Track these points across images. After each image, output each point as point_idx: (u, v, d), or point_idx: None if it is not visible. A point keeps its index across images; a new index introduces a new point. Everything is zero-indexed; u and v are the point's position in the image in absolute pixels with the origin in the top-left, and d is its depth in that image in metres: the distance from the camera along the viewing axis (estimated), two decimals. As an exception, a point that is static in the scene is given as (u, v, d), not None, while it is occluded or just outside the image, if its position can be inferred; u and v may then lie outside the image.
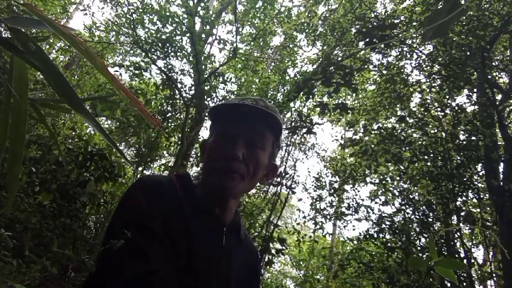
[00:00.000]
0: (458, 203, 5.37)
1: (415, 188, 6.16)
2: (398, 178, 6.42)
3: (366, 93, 7.81)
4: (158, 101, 6.59)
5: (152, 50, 5.57)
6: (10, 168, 0.73)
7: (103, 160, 3.94)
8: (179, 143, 5.89)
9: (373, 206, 6.67)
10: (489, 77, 5.14)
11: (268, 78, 7.46)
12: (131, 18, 5.77)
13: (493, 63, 5.73)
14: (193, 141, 6.29)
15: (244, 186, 0.85)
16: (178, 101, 6.39)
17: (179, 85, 5.84)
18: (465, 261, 5.01)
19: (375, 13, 6.13)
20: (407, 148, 5.87)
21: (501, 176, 4.87)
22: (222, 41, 5.75)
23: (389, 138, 5.86)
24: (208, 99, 6.24)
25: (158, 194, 0.80)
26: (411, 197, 6.05)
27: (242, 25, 8.32)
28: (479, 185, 5.53)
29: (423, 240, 5.54)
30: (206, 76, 5.67)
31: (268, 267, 5.96)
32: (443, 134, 5.84)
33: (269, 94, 6.93)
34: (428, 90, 6.37)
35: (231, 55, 5.91)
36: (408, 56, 6.16)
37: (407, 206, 5.91)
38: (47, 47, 7.19)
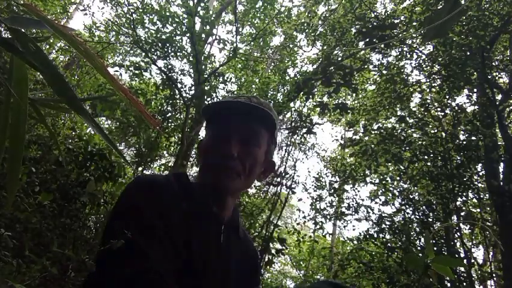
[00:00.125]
0: (458, 203, 5.37)
1: (415, 188, 6.15)
2: (398, 178, 6.42)
3: (366, 93, 7.81)
4: (158, 101, 6.59)
5: (152, 50, 5.57)
6: (10, 168, 0.73)
7: (103, 160, 3.94)
8: (179, 143, 5.90)
9: (373, 206, 6.67)
10: (489, 77, 5.13)
11: (268, 78, 7.46)
12: (131, 18, 5.77)
13: (493, 63, 5.73)
14: (193, 141, 6.29)
15: (240, 184, 0.85)
16: (178, 101, 6.39)
17: (179, 85, 5.84)
18: (465, 261, 5.02)
19: (375, 13, 6.13)
20: (407, 148, 5.87)
21: (501, 176, 4.87)
22: (222, 41, 5.75)
23: (389, 138, 5.86)
24: (208, 99, 6.24)
25: (155, 192, 0.79)
26: (411, 197, 6.05)
27: (242, 25, 8.32)
28: (479, 185, 5.53)
29: (423, 240, 5.54)
30: (206, 76, 5.68)
31: (268, 267, 5.96)
32: (443, 134, 5.84)
33: (269, 94, 6.93)
34: (428, 90, 6.37)
35: (231, 55, 5.91)
36: (408, 56, 6.16)
37: (407, 206, 5.91)
38: (47, 47, 7.19)
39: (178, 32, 5.47)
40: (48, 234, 3.11)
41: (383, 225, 5.96)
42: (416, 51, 6.12)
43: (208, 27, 5.73)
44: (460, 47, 5.06)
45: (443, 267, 0.91)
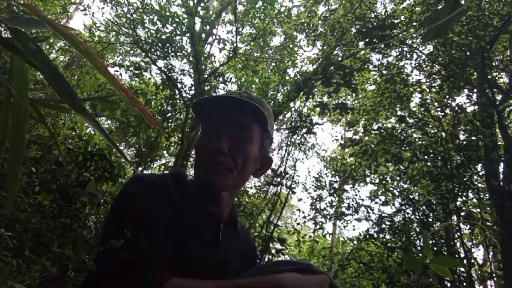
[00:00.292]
0: (458, 203, 5.37)
1: (415, 188, 6.16)
2: (398, 178, 6.42)
3: (366, 93, 7.81)
4: (158, 101, 6.59)
5: (152, 50, 5.57)
6: (10, 168, 0.73)
7: (103, 160, 3.94)
8: (179, 143, 5.90)
9: (373, 206, 6.68)
10: (489, 77, 5.13)
11: (268, 78, 7.46)
12: (131, 18, 5.77)
13: (493, 63, 5.73)
14: (193, 141, 6.28)
15: (233, 180, 0.84)
16: (178, 101, 6.39)
17: (179, 85, 5.84)
18: (465, 261, 5.02)
19: (375, 13, 6.13)
20: (407, 148, 5.87)
21: (501, 176, 4.87)
22: (222, 41, 5.75)
23: (389, 138, 5.87)
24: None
25: (149, 189, 0.80)
26: (411, 197, 6.05)
27: (242, 25, 8.32)
28: (479, 185, 5.53)
29: (423, 240, 5.54)
30: (206, 76, 5.68)
31: (268, 267, 5.94)
32: (443, 134, 5.84)
33: (269, 94, 6.93)
34: (428, 90, 6.37)
35: (231, 55, 5.91)
36: (408, 56, 6.16)
37: (407, 206, 5.91)
38: (47, 47, 7.19)
39: (178, 32, 5.47)
40: (48, 234, 3.11)
41: (383, 225, 5.96)
42: (416, 51, 6.12)
43: (208, 27, 5.73)
44: (460, 47, 5.06)
45: (442, 268, 0.91)
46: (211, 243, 0.83)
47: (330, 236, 10.60)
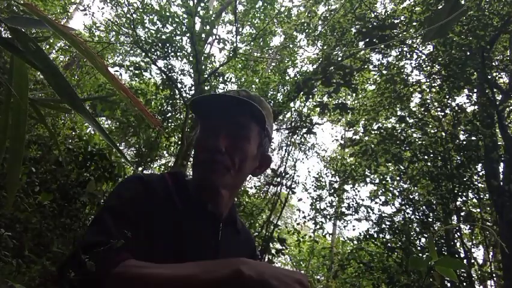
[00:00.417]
0: (458, 203, 5.37)
1: (415, 188, 6.16)
2: (398, 178, 6.42)
3: (366, 93, 7.81)
4: (158, 101, 6.59)
5: (152, 50, 5.57)
6: (10, 168, 0.73)
7: (103, 160, 3.94)
8: (179, 143, 5.90)
9: (373, 206, 6.68)
10: (489, 77, 5.13)
11: (268, 78, 7.47)
12: (131, 18, 5.77)
13: (493, 63, 5.73)
14: (193, 141, 6.29)
15: (231, 179, 0.83)
16: (178, 101, 6.39)
17: (179, 85, 5.84)
18: (465, 261, 5.02)
19: (375, 13, 6.13)
20: (407, 148, 5.87)
21: (501, 176, 4.87)
22: (222, 41, 5.75)
23: (389, 138, 5.87)
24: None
25: (142, 186, 0.79)
26: (411, 197, 6.05)
27: (242, 25, 8.32)
28: (479, 185, 5.53)
29: (423, 240, 5.54)
30: (206, 76, 5.68)
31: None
32: (443, 134, 5.84)
33: (269, 94, 6.93)
34: (428, 90, 6.37)
35: (231, 55, 5.91)
36: (408, 56, 6.16)
37: (407, 206, 5.91)
38: (47, 47, 7.19)
39: (178, 32, 5.48)
40: (48, 234, 3.12)
41: (383, 225, 5.96)
42: (416, 51, 6.12)
43: (208, 27, 5.73)
44: (460, 47, 5.06)
45: (446, 270, 0.91)
46: (211, 243, 0.82)
47: (330, 236, 10.61)
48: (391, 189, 6.53)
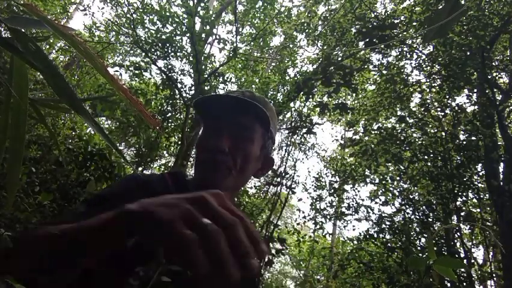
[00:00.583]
0: (458, 203, 5.37)
1: (415, 188, 6.16)
2: (398, 178, 6.42)
3: (366, 93, 7.81)
4: (158, 101, 6.59)
5: (152, 50, 5.57)
6: (10, 168, 0.73)
7: (103, 160, 3.94)
8: (179, 143, 5.90)
9: (373, 206, 6.68)
10: (489, 77, 5.13)
11: (268, 78, 7.47)
12: (131, 18, 5.78)
13: (493, 63, 5.73)
14: (193, 141, 6.29)
15: (233, 180, 0.82)
16: (178, 101, 6.39)
17: (179, 85, 5.84)
18: (465, 261, 5.01)
19: (375, 13, 6.13)
20: (407, 148, 5.87)
21: (501, 176, 4.87)
22: (222, 41, 5.75)
23: (389, 138, 5.86)
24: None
25: (141, 186, 0.79)
26: (411, 197, 6.05)
27: (242, 25, 8.32)
28: (479, 185, 5.53)
29: (423, 240, 5.54)
30: (206, 76, 5.68)
31: (268, 267, 5.95)
32: (443, 134, 5.84)
33: (269, 94, 6.93)
34: (428, 90, 6.37)
35: (231, 55, 5.91)
36: (408, 56, 6.16)
37: (407, 206, 5.91)
38: (47, 47, 7.19)
39: (178, 32, 5.48)
40: (48, 234, 3.11)
41: (383, 225, 5.96)
42: (416, 51, 6.12)
43: (208, 27, 5.73)
44: (460, 47, 5.06)
45: (445, 269, 0.91)
46: None
47: (330, 236, 10.61)
48: (391, 189, 6.53)
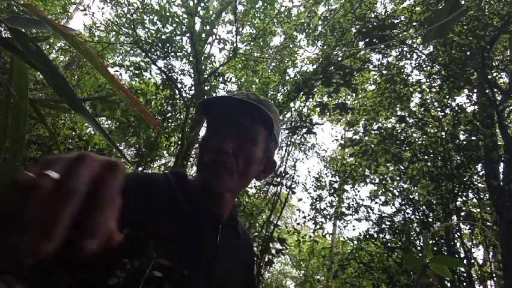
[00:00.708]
0: (458, 203, 5.37)
1: (415, 188, 6.16)
2: (398, 178, 6.42)
3: (366, 93, 7.82)
4: (158, 101, 6.60)
5: (152, 50, 5.57)
6: (10, 168, 0.73)
7: (103, 160, 3.94)
8: (179, 143, 5.90)
9: (373, 206, 6.68)
10: (489, 77, 5.14)
11: (268, 78, 7.47)
12: (131, 18, 5.78)
13: (493, 63, 5.73)
14: (193, 141, 6.29)
15: (235, 182, 0.82)
16: (178, 101, 6.39)
17: (179, 85, 5.84)
18: (465, 261, 5.02)
19: (375, 13, 6.14)
20: (407, 148, 5.87)
21: (501, 176, 4.87)
22: (222, 41, 5.75)
23: (389, 138, 5.87)
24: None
25: (149, 186, 0.79)
26: (411, 197, 6.05)
27: (242, 25, 8.32)
28: (479, 185, 5.53)
29: (423, 240, 5.54)
30: (206, 76, 5.68)
31: (268, 267, 5.96)
32: (443, 134, 5.84)
33: (269, 94, 6.93)
34: (428, 90, 6.37)
35: (231, 55, 5.91)
36: (408, 56, 6.16)
37: (407, 206, 5.91)
38: (47, 47, 7.19)
39: (178, 32, 5.48)
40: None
41: (383, 225, 5.96)
42: (416, 51, 6.12)
43: (208, 27, 5.73)
44: (460, 47, 5.06)
45: (442, 267, 0.91)
46: (209, 244, 0.82)
47: (330, 236, 10.61)
48: (391, 189, 6.53)
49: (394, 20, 5.65)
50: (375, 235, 5.94)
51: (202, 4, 5.09)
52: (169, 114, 6.39)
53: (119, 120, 5.81)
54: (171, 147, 6.99)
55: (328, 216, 7.42)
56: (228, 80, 6.70)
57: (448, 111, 5.95)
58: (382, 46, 5.68)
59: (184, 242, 0.77)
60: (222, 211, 0.86)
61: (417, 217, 5.71)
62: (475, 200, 5.68)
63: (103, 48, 7.16)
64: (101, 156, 0.39)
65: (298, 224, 7.59)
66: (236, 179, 0.82)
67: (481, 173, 5.48)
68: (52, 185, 0.32)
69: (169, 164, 7.31)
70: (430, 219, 5.59)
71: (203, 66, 5.49)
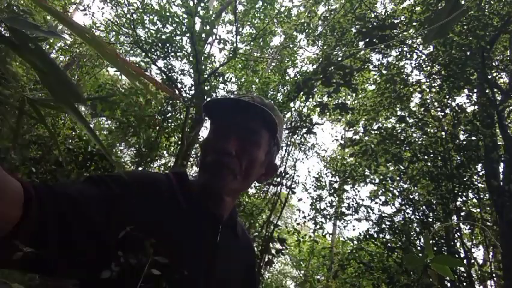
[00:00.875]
0: (458, 203, 5.37)
1: (415, 188, 6.16)
2: (398, 178, 6.42)
3: (366, 93, 7.81)
4: (159, 101, 6.59)
5: (152, 50, 5.57)
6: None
7: (103, 160, 3.95)
8: (179, 143, 5.90)
9: (373, 206, 6.68)
10: (489, 77, 5.14)
11: (268, 78, 7.47)
12: (131, 18, 5.78)
13: (493, 63, 5.73)
14: (193, 141, 6.29)
15: (237, 184, 0.83)
16: (178, 101, 6.39)
17: (179, 85, 5.84)
18: (465, 261, 5.02)
19: (375, 13, 6.14)
20: (407, 148, 5.87)
21: (501, 176, 4.87)
22: (222, 41, 5.75)
23: (389, 138, 5.87)
24: (208, 99, 6.23)
25: (151, 185, 0.79)
26: (411, 197, 6.05)
27: (242, 25, 8.32)
28: (479, 185, 5.53)
29: (423, 240, 5.54)
30: (206, 76, 5.68)
31: (268, 267, 5.96)
32: (443, 134, 5.84)
33: (269, 94, 6.93)
34: (428, 90, 6.37)
35: (231, 55, 5.91)
36: (408, 56, 6.16)
37: (407, 206, 5.91)
38: (47, 47, 7.19)
39: (178, 32, 5.48)
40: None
41: (383, 225, 5.96)
42: (416, 51, 6.12)
43: (208, 27, 5.73)
44: (460, 47, 5.06)
45: (443, 267, 0.91)
46: (209, 244, 0.82)
47: (330, 236, 10.61)
48: (391, 189, 6.53)
49: (394, 20, 5.65)
50: (375, 235, 5.94)
51: (202, 4, 5.09)
52: (169, 114, 6.39)
53: (119, 120, 5.81)
54: (171, 147, 7.00)
55: (328, 216, 7.42)
56: (228, 80, 6.71)
57: (447, 111, 5.94)
58: (382, 46, 5.68)
59: (184, 242, 0.77)
60: (222, 211, 0.86)
61: (417, 217, 5.71)
62: (475, 200, 5.68)
63: (103, 48, 7.15)
64: None
65: (298, 224, 7.60)
66: (239, 181, 0.82)
67: (481, 173, 5.48)
68: None
69: (169, 164, 7.31)
70: (430, 219, 5.59)
71: (203, 66, 5.49)
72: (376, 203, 6.58)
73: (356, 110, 6.91)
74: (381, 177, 6.56)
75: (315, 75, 6.02)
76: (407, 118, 6.00)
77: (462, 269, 4.81)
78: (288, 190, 6.54)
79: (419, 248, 5.46)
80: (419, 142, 5.80)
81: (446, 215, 5.46)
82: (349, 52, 6.36)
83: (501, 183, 4.71)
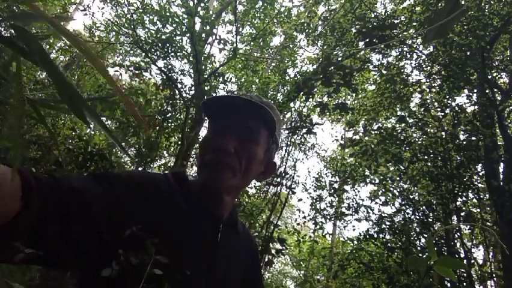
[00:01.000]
0: (458, 203, 5.37)
1: (415, 188, 6.16)
2: (398, 178, 6.42)
3: (366, 93, 7.82)
4: (158, 101, 6.60)
5: (152, 50, 5.57)
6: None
7: (103, 160, 3.95)
8: (179, 143, 5.90)
9: (373, 206, 6.68)
10: (489, 77, 5.14)
11: (268, 78, 7.47)
12: (131, 18, 5.78)
13: (493, 63, 5.73)
14: (193, 141, 6.29)
15: (236, 181, 0.83)
16: (178, 101, 6.39)
17: (179, 85, 5.84)
18: (465, 261, 5.02)
19: (375, 13, 6.14)
20: (407, 148, 5.87)
21: (501, 176, 4.87)
22: (222, 41, 5.75)
23: (389, 138, 5.86)
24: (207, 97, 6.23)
25: (150, 185, 0.79)
26: (411, 197, 6.05)
27: (242, 25, 8.32)
28: (479, 185, 5.53)
29: (423, 240, 5.54)
30: (206, 76, 5.67)
31: (268, 267, 5.96)
32: (443, 134, 5.84)
33: (269, 94, 6.94)
34: (428, 90, 6.37)
35: (231, 55, 5.91)
36: (408, 56, 6.16)
37: (407, 206, 5.91)
38: (47, 47, 7.20)
39: (178, 32, 5.47)
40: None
41: (383, 226, 5.96)
42: (416, 51, 6.12)
43: (208, 27, 5.73)
44: (460, 47, 5.06)
45: (446, 269, 0.91)
46: (209, 243, 0.82)
47: (330, 236, 10.61)
48: (391, 189, 6.53)
49: (394, 20, 5.66)
50: (375, 235, 5.94)
51: (202, 4, 5.08)
52: (169, 114, 6.39)
53: (119, 120, 5.81)
54: (171, 147, 7.00)
55: (328, 217, 7.42)
56: (228, 80, 6.70)
57: (447, 111, 5.94)
58: (382, 46, 5.68)
59: (184, 242, 0.77)
60: (222, 211, 0.86)
61: (417, 217, 5.71)
62: (475, 200, 5.68)
63: (103, 49, 7.17)
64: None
65: (298, 224, 7.59)
66: (238, 178, 0.82)
67: (481, 173, 5.48)
68: None
69: (169, 164, 7.31)
70: (430, 220, 5.59)
71: (203, 66, 5.49)
72: (376, 203, 6.59)
73: (356, 110, 6.91)
74: (381, 177, 6.56)
75: (315, 75, 6.02)
76: (407, 118, 6.00)
77: (462, 269, 4.81)
78: (288, 190, 6.54)
79: (419, 248, 5.46)
80: (419, 142, 5.80)
81: (446, 215, 5.46)
82: (349, 52, 6.36)
83: (501, 183, 4.71)
